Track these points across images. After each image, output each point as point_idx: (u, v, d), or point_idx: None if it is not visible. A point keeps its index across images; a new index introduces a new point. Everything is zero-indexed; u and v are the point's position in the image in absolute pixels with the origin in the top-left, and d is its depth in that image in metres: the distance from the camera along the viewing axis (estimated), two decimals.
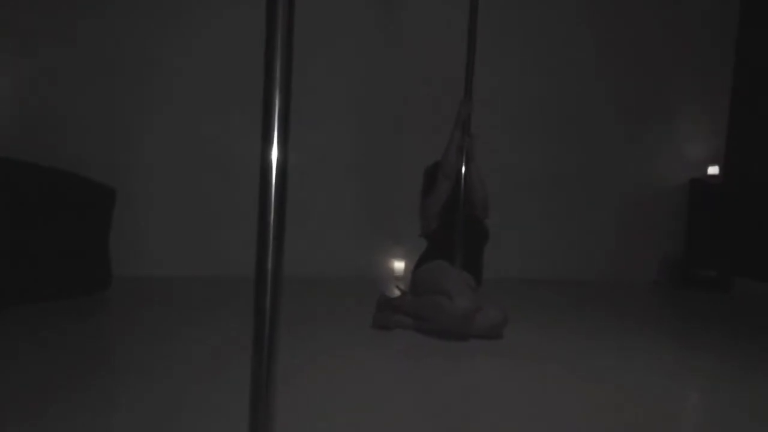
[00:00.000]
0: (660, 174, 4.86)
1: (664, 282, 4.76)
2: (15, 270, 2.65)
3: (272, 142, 0.70)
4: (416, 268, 2.74)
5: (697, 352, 2.45)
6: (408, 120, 4.15)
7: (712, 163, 4.83)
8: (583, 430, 1.50)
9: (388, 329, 2.50)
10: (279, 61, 0.70)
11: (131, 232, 3.58)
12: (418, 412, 1.59)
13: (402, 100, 4.14)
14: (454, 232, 2.69)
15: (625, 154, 4.75)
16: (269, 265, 0.71)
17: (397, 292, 2.76)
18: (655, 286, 4.59)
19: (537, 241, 4.44)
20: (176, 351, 2.04)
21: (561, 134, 4.55)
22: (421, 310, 2.50)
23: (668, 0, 4.72)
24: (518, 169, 4.40)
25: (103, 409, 1.47)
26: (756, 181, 4.56)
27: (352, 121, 4.09)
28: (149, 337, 2.22)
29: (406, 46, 4.15)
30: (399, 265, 4.13)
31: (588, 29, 4.56)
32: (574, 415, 1.60)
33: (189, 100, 3.75)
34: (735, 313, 3.60)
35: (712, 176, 4.77)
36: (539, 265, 4.45)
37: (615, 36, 4.64)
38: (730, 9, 4.88)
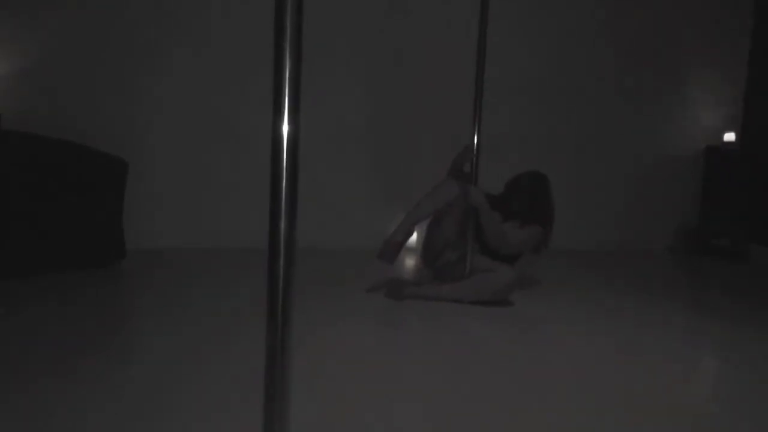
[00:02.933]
0: (675, 141, 4.80)
1: (680, 250, 4.74)
2: (31, 241, 2.70)
3: (283, 113, 0.70)
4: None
5: (713, 318, 2.45)
6: (422, 90, 4.11)
7: (729, 130, 4.76)
8: (599, 398, 1.51)
9: (400, 300, 2.52)
10: (289, 31, 0.70)
11: (144, 205, 3.61)
12: (428, 376, 1.61)
13: (416, 71, 4.10)
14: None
15: (640, 122, 4.68)
16: (282, 236, 0.71)
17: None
18: (670, 254, 4.57)
19: None
20: (190, 319, 2.07)
21: (574, 102, 4.49)
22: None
23: None
24: (531, 138, 4.36)
25: (118, 373, 1.51)
26: None
27: (365, 92, 4.06)
28: (163, 307, 2.25)
29: (421, 16, 4.09)
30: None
31: None
32: (587, 382, 1.62)
33: (200, 73, 3.73)
34: (751, 280, 3.59)
35: (729, 143, 4.70)
36: (554, 234, 4.42)
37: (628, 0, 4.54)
38: None
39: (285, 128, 0.71)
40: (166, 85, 3.70)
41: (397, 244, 2.50)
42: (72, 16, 3.50)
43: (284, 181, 0.71)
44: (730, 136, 4.71)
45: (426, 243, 2.84)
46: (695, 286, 3.51)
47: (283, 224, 0.71)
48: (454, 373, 1.66)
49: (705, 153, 4.79)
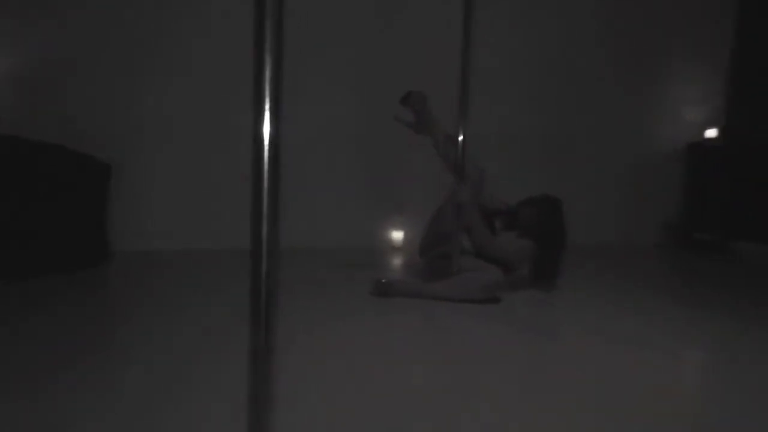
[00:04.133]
0: (658, 138, 4.85)
1: (665, 245, 4.79)
2: (12, 245, 2.67)
3: (264, 116, 0.70)
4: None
5: (703, 312, 2.47)
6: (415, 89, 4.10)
7: (711, 126, 4.82)
8: (598, 396, 1.52)
9: (387, 297, 2.52)
10: (269, 32, 0.70)
11: (131, 207, 3.58)
12: (428, 376, 1.61)
13: (403, 70, 4.10)
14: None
15: (623, 119, 4.72)
16: (264, 238, 0.72)
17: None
18: (656, 250, 4.61)
19: None
20: (176, 321, 2.06)
21: (558, 99, 4.52)
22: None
23: None
24: (516, 135, 4.38)
25: (106, 379, 1.50)
26: (755, 143, 4.55)
27: (353, 92, 4.06)
28: (149, 308, 2.23)
29: (408, 14, 4.09)
30: (398, 235, 4.15)
31: None
32: (580, 377, 1.63)
33: (186, 74, 3.71)
34: (735, 275, 3.63)
35: (710, 139, 4.76)
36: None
37: None
38: None
39: (266, 130, 0.71)
40: (154, 86, 3.66)
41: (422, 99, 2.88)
42: (56, 17, 3.46)
43: (265, 183, 0.71)
44: (712, 133, 4.77)
45: (425, 233, 2.90)
46: (681, 279, 3.54)
47: (265, 226, 0.71)
48: (453, 373, 1.66)
49: (688, 149, 4.84)
